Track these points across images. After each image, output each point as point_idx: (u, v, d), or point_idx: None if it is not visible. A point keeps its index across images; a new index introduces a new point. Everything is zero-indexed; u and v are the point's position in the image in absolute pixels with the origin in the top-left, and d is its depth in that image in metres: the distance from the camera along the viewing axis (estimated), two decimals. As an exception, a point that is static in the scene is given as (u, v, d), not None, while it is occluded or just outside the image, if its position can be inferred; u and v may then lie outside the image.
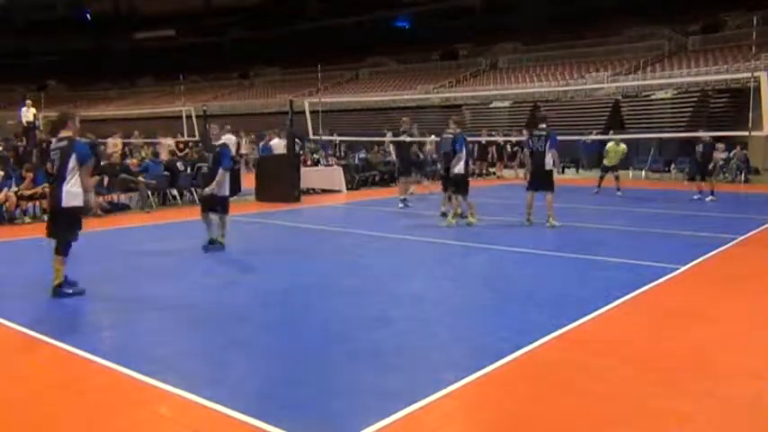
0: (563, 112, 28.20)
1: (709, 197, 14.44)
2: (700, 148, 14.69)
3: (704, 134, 15.11)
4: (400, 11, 43.15)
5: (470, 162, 12.08)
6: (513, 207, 12.38)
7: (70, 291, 6.28)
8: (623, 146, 16.15)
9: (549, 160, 10.38)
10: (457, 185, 10.80)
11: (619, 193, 15.53)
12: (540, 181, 10.53)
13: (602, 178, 16.28)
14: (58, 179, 6.15)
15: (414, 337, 5.06)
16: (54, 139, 6.47)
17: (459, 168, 10.69)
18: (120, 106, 44.36)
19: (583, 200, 14.70)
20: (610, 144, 16.24)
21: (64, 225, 6.21)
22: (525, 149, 11.35)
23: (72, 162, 6.12)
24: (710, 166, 14.81)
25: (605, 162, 16.16)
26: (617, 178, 15.93)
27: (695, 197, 14.54)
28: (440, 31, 40.63)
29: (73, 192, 6.14)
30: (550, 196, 10.47)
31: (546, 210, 10.48)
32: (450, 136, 11.18)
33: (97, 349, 4.67)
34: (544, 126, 10.64)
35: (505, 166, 22.87)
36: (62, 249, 6.20)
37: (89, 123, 37.79)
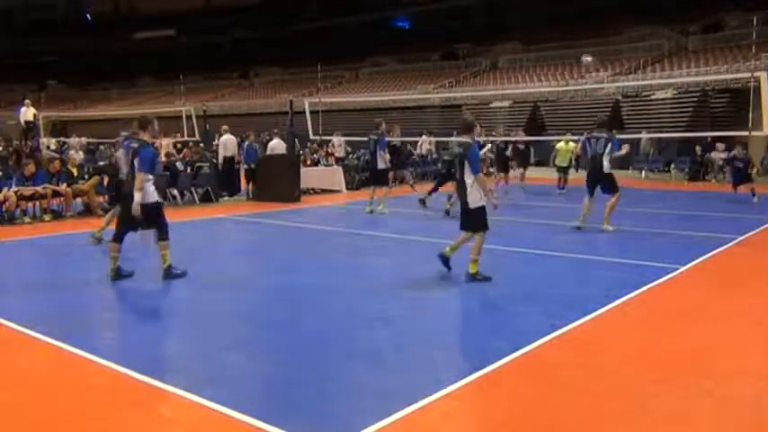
0: (563, 112, 28.20)
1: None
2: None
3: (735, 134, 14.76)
4: (400, 11, 43.09)
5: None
6: (513, 207, 12.39)
7: None
8: (572, 144, 15.65)
9: (607, 163, 10.22)
10: (376, 179, 12.59)
11: (564, 191, 15.35)
12: (600, 184, 10.35)
13: (560, 178, 16.25)
14: None
15: (414, 337, 5.05)
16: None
17: (380, 164, 12.31)
18: (120, 106, 44.29)
19: (581, 200, 14.63)
20: (560, 144, 15.98)
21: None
22: (582, 153, 11.18)
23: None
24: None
25: (557, 162, 15.93)
26: (565, 180, 15.77)
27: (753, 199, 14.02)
28: (440, 31, 40.59)
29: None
30: (614, 199, 10.27)
31: (603, 212, 10.22)
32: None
33: (97, 349, 4.67)
34: (604, 130, 10.54)
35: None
36: None
37: (89, 123, 38.09)
